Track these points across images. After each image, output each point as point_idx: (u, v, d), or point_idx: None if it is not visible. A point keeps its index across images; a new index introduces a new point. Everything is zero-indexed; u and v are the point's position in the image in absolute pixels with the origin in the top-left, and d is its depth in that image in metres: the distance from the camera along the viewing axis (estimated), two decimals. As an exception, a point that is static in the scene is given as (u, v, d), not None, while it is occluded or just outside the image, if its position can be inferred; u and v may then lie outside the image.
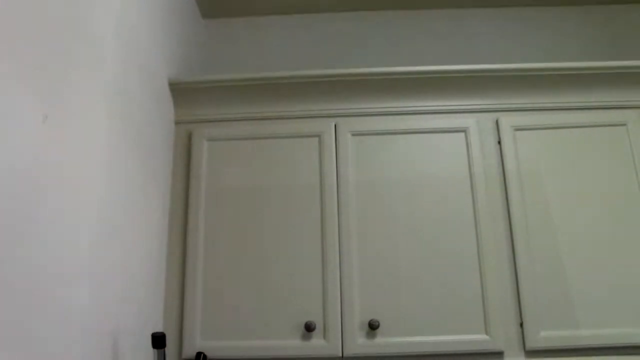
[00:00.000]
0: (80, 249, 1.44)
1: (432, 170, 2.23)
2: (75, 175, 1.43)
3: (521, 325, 2.07)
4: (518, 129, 2.28)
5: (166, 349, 1.96)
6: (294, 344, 2.04)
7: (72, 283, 1.39)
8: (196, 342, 2.05)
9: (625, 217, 2.18)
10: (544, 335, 2.05)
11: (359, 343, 2.03)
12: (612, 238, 2.15)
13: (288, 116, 2.32)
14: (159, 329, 2.04)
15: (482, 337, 2.04)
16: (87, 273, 1.48)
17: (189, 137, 2.30)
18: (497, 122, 2.29)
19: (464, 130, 2.27)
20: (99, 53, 1.60)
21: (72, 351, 1.39)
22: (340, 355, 2.03)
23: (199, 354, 2.01)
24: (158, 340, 1.71)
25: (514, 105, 2.33)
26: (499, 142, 2.27)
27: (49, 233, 1.29)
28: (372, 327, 2.02)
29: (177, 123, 2.32)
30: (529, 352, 2.05)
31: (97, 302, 1.54)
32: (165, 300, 2.12)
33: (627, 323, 2.06)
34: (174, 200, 2.23)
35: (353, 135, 2.27)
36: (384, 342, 2.03)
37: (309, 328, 2.02)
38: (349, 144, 2.26)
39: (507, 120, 2.29)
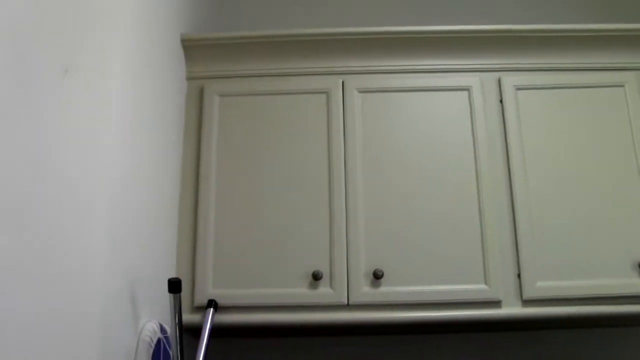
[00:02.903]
0: (100, 193, 1.50)
1: (437, 126, 2.31)
2: (96, 126, 1.48)
3: (519, 275, 2.16)
4: (520, 88, 2.34)
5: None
6: (302, 292, 2.12)
7: (93, 224, 1.46)
8: (208, 290, 2.13)
9: (621, 176, 2.26)
10: (540, 286, 2.14)
11: (364, 292, 2.12)
12: (608, 196, 2.24)
13: (297, 73, 2.38)
14: (172, 276, 2.12)
15: (482, 286, 2.13)
16: (106, 217, 1.54)
17: (201, 92, 2.36)
18: (499, 81, 2.36)
19: (467, 89, 2.34)
20: (119, 5, 1.64)
21: (94, 291, 1.45)
22: (346, 303, 2.11)
23: (210, 301, 2.09)
24: (174, 286, 1.78)
25: (515, 65, 2.39)
26: (501, 101, 2.34)
27: (73, 179, 1.34)
28: (377, 276, 2.10)
29: (188, 79, 2.38)
30: (526, 302, 2.14)
31: (115, 245, 1.60)
32: (177, 249, 2.19)
33: (620, 274, 2.16)
34: (187, 153, 2.30)
35: (360, 92, 2.34)
36: (387, 291, 2.12)
37: (316, 277, 2.10)
38: (355, 101, 2.32)
39: (509, 80, 2.35)
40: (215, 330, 2.14)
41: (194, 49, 2.37)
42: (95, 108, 1.48)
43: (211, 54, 2.39)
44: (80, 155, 1.38)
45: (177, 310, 1.84)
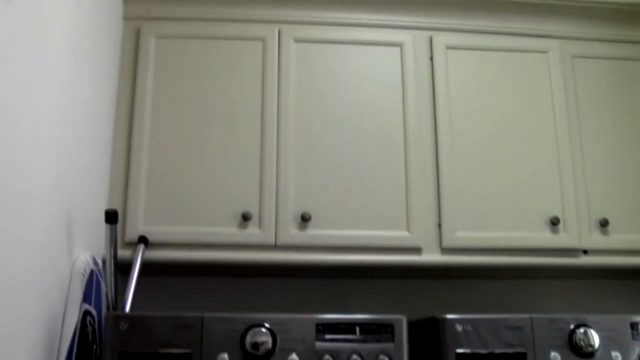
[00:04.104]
0: (43, 122, 1.53)
1: (369, 79, 2.38)
2: (37, 55, 1.49)
3: (439, 225, 2.27)
4: (450, 47, 2.44)
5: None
6: (231, 231, 2.18)
7: (33, 154, 1.49)
8: (139, 226, 2.16)
9: (540, 138, 2.39)
10: (459, 236, 2.25)
11: (292, 233, 2.19)
12: (527, 155, 2.37)
13: (235, 19, 2.40)
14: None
15: (404, 233, 2.24)
16: (48, 147, 1.58)
17: (137, 33, 2.36)
18: (430, 40, 2.45)
19: (400, 45, 2.42)
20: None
21: (34, 219, 1.48)
22: (274, 244, 2.18)
23: (141, 237, 2.14)
24: (111, 216, 1.83)
25: (448, 25, 2.48)
26: (431, 59, 2.43)
27: (12, 107, 1.35)
28: (304, 219, 2.18)
29: (125, 19, 2.38)
30: (445, 250, 2.25)
31: (55, 175, 1.64)
32: (110, 186, 2.21)
33: (534, 228, 2.29)
34: (122, 91, 2.31)
35: (296, 41, 2.39)
36: (314, 233, 2.20)
37: (245, 217, 2.16)
38: (291, 50, 2.37)
39: (441, 39, 2.44)
40: (145, 268, 2.19)
41: (131, -12, 2.38)
42: (37, 37, 1.49)
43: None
44: (22, 83, 1.40)
45: (113, 241, 1.89)
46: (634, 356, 1.79)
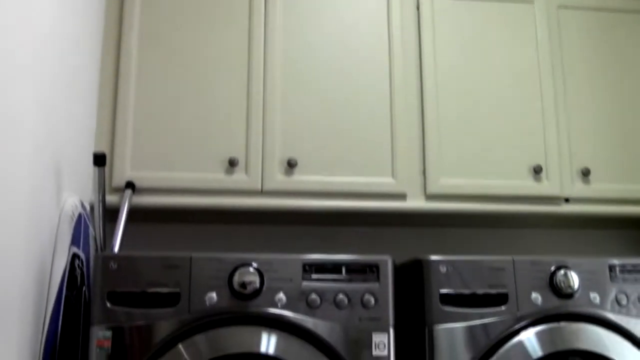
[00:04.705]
0: (27, 71, 1.53)
1: (356, 25, 2.38)
2: (23, 7, 1.51)
3: (424, 172, 2.30)
4: (436, -5, 2.45)
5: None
6: (218, 177, 2.19)
7: (19, 98, 1.50)
8: (126, 171, 2.17)
9: (525, 87, 2.41)
10: (443, 182, 2.29)
11: (278, 179, 2.21)
12: (513, 105, 2.39)
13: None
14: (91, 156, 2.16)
15: (389, 180, 2.26)
16: (34, 92, 1.58)
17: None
18: (417, -12, 2.46)
19: (386, -9, 2.43)
20: None
21: (21, 165, 1.49)
22: (260, 189, 2.20)
23: (128, 183, 2.15)
24: (99, 159, 1.84)
25: (434, -26, 2.49)
26: (418, 8, 2.43)
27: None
28: (290, 165, 2.19)
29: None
30: (429, 196, 2.29)
31: (43, 116, 1.65)
32: (97, 130, 2.21)
33: (518, 176, 2.33)
34: (108, 34, 2.29)
35: (283, -12, 2.38)
36: (299, 179, 2.22)
37: (232, 163, 2.17)
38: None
39: (426, -13, 2.45)
40: (132, 214, 2.22)
41: None
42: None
43: None
44: (7, 35, 1.40)
45: (102, 184, 1.90)
46: (612, 297, 1.84)
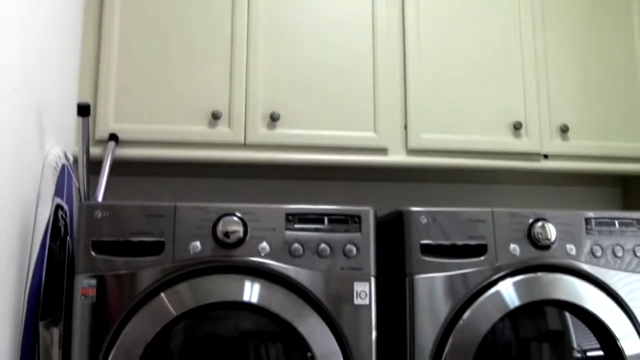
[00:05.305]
0: (7, 20, 1.52)
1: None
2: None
3: (405, 127, 2.32)
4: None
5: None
6: (201, 130, 2.19)
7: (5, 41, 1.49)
8: (109, 124, 2.17)
9: (505, 45, 2.43)
10: (424, 137, 2.31)
11: (261, 132, 2.22)
12: (493, 62, 2.41)
13: None
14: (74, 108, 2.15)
15: (371, 134, 2.28)
16: (15, 40, 1.57)
17: None
18: None
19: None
20: None
21: (3, 114, 1.49)
22: (243, 142, 2.21)
23: (111, 135, 2.14)
24: (83, 109, 1.84)
25: None
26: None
27: None
28: (273, 118, 2.21)
29: None
30: (411, 151, 2.31)
31: (26, 62, 1.64)
32: (80, 82, 2.21)
33: (498, 132, 2.36)
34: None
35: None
36: (282, 133, 2.23)
37: (215, 116, 2.18)
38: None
39: None
40: (115, 167, 2.21)
41: None
42: None
43: None
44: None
45: (86, 134, 1.91)
46: (587, 248, 1.88)
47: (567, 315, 1.87)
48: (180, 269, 1.67)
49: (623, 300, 1.87)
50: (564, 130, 2.39)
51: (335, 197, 2.62)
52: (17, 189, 1.58)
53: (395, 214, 1.88)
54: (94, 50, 2.23)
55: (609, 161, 2.43)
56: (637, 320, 1.87)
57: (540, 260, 1.86)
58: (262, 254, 1.69)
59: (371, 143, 2.27)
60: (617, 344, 1.84)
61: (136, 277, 1.65)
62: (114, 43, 2.22)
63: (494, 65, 2.40)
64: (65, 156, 1.93)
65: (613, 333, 1.84)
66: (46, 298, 1.70)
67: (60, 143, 1.99)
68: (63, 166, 1.88)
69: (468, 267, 1.81)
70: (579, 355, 1.86)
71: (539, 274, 1.85)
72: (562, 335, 1.87)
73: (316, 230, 1.73)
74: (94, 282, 1.64)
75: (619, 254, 1.90)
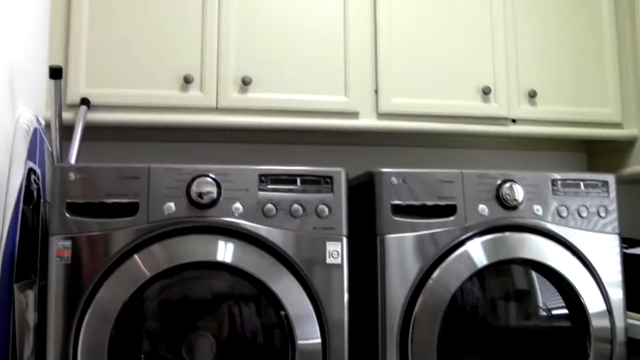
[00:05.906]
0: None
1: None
2: None
3: (376, 91, 2.34)
4: None
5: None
6: (173, 94, 2.20)
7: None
8: (80, 88, 2.16)
9: (475, 11, 2.46)
10: (395, 101, 2.34)
11: (232, 97, 2.23)
12: (464, 28, 2.44)
13: None
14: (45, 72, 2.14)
15: (342, 98, 2.30)
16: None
17: None
18: None
19: None
20: None
21: None
22: (215, 106, 2.22)
23: (83, 99, 2.14)
24: (55, 72, 1.83)
25: None
26: None
27: None
28: (245, 82, 2.22)
29: None
30: (381, 115, 2.34)
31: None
32: (50, 46, 2.20)
33: (468, 97, 2.39)
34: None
35: None
36: (254, 97, 2.24)
37: (187, 80, 2.18)
38: None
39: None
40: (87, 131, 2.20)
41: None
42: None
43: None
44: None
45: (58, 98, 1.90)
46: (553, 209, 1.93)
47: (534, 274, 1.92)
48: (154, 230, 1.68)
49: (587, 260, 1.93)
50: (532, 95, 2.43)
51: (308, 160, 2.64)
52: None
53: (367, 175, 1.91)
54: (64, 13, 2.21)
55: (575, 126, 2.48)
56: (600, 279, 1.93)
57: (508, 221, 1.90)
58: (236, 214, 1.71)
59: (342, 107, 2.29)
60: (581, 302, 1.89)
61: (111, 238, 1.66)
62: (84, 6, 2.20)
63: (463, 30, 2.42)
64: (37, 120, 1.92)
65: (577, 291, 1.89)
66: (20, 261, 1.71)
67: (32, 107, 1.98)
68: (35, 130, 1.87)
69: (438, 227, 1.85)
70: (544, 313, 1.92)
71: (507, 234, 1.89)
72: (528, 294, 1.92)
73: (289, 190, 1.75)
74: (68, 243, 1.65)
75: (584, 214, 1.95)
